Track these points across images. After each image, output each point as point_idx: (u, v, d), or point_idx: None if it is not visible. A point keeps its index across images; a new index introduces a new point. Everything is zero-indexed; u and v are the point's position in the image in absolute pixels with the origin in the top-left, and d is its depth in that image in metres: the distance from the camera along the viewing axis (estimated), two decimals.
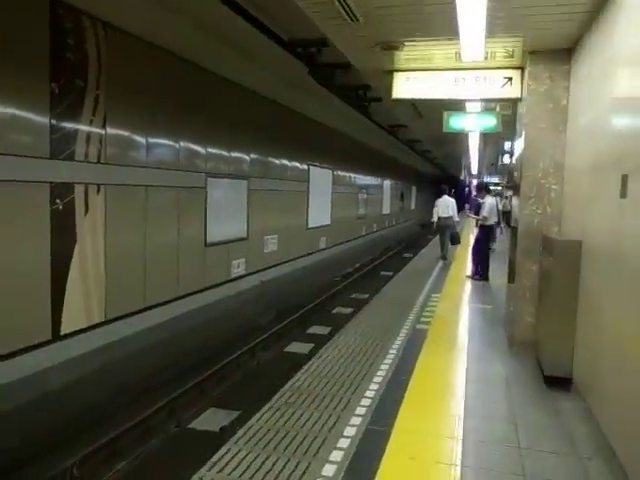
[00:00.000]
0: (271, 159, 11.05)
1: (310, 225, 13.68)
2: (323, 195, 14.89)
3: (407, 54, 5.27)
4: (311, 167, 13.57)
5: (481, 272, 8.95)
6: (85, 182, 5.87)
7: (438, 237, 13.66)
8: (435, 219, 12.74)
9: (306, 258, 13.34)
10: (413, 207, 35.41)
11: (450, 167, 33.13)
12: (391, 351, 5.38)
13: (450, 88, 5.53)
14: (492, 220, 9.05)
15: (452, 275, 10.22)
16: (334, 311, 11.19)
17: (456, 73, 5.51)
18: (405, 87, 5.76)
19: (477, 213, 9.16)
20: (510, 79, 5.30)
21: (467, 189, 52.71)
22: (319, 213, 14.51)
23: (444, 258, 12.64)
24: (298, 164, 12.69)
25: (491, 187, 40.34)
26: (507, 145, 13.84)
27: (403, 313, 7.02)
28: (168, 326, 7.31)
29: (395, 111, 13.07)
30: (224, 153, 9.00)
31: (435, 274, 10.37)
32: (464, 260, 12.77)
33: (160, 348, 6.94)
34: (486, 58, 5.05)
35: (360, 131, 16.96)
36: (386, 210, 25.00)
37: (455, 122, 6.69)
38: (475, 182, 43.12)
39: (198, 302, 8.18)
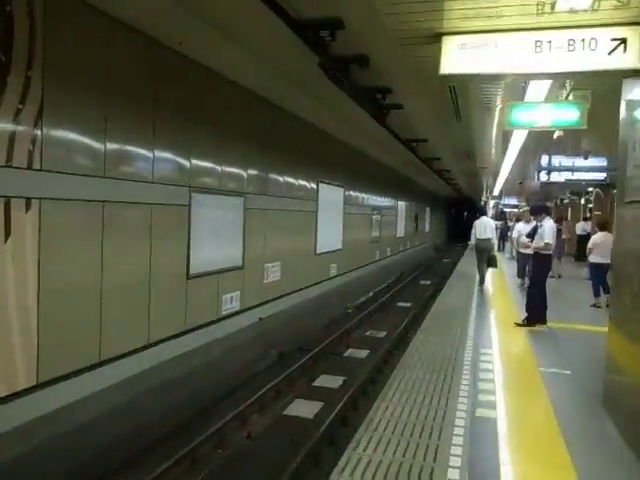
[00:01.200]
0: (273, 174, 9.42)
1: (319, 250, 11.99)
2: (334, 216, 13.23)
3: (463, 3, 3.64)
4: (321, 184, 11.92)
5: (538, 315, 7.19)
6: (5, 195, 4.23)
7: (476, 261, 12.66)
8: (473, 241, 12.20)
9: (314, 288, 11.62)
10: (427, 229, 33.70)
11: (468, 187, 31.39)
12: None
13: (527, 57, 3.86)
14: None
15: (498, 318, 8.33)
16: (347, 353, 9.42)
17: (537, 34, 3.85)
18: (458, 58, 4.10)
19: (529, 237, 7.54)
20: (623, 41, 3.64)
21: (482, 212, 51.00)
22: (329, 236, 12.82)
23: (481, 283, 11.99)
24: (306, 180, 11.06)
25: (507, 210, 38.70)
26: (545, 160, 12.16)
27: (449, 388, 4.89)
28: (130, 386, 5.59)
29: (414, 120, 11.47)
30: (214, 164, 7.37)
31: (474, 315, 8.47)
32: (505, 293, 10.99)
33: (113, 421, 5.21)
34: (589, 10, 3.40)
35: (375, 145, 15.36)
36: (400, 233, 23.30)
37: (521, 116, 5.03)
38: (492, 204, 41.33)
39: (174, 350, 6.47)
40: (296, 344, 9.61)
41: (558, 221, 18.82)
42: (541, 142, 11.75)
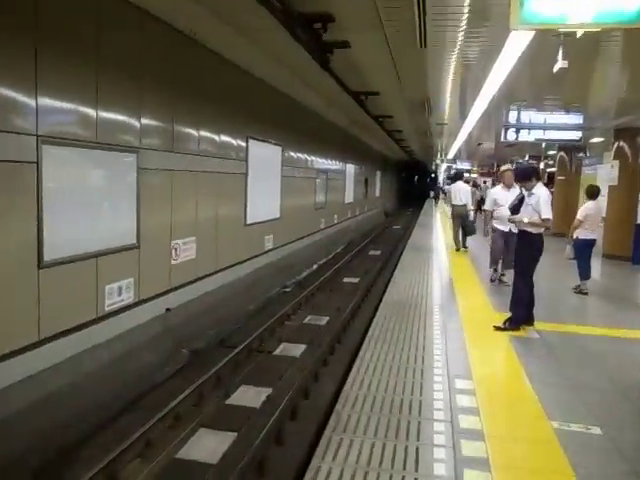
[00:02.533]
0: (183, 125, 7.36)
1: (250, 220, 10.06)
2: (270, 180, 11.27)
3: None
4: (252, 141, 9.90)
5: (524, 314, 5.47)
6: None
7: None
8: (450, 207, 12.17)
9: (244, 265, 9.73)
10: (378, 194, 32.15)
11: (420, 150, 29.83)
12: None
13: None
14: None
15: (470, 319, 6.23)
16: (278, 350, 7.61)
17: None
18: None
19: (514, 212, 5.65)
20: None
21: (435, 176, 49.85)
22: (264, 203, 10.89)
23: (458, 249, 11.97)
24: (231, 136, 9.02)
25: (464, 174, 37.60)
26: (514, 116, 10.49)
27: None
28: None
29: (364, 65, 9.56)
30: (83, 105, 5.27)
31: (438, 316, 6.36)
32: (476, 285, 9.42)
33: None
34: None
35: (320, 99, 13.37)
36: (349, 198, 21.56)
37: (541, 5, 3.17)
38: (444, 168, 40.12)
39: (18, 371, 4.50)
40: (218, 337, 7.77)
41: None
42: (513, 96, 10.09)
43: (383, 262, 15.76)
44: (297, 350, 7.58)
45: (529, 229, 5.28)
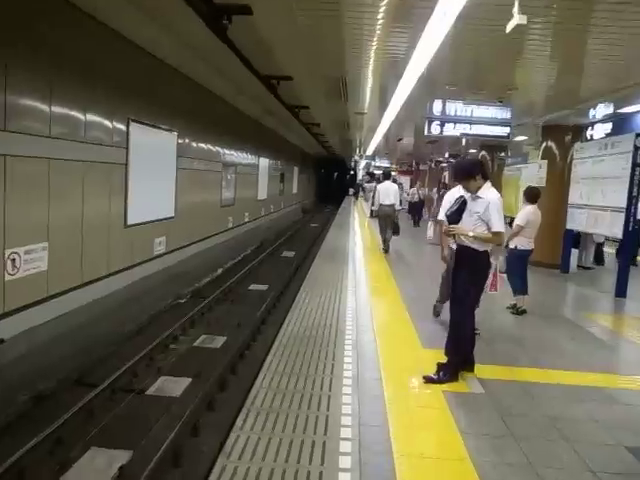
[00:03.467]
0: (25, 98, 5.60)
1: (133, 220, 8.35)
2: (161, 172, 9.58)
3: None
4: (134, 125, 8.19)
5: (463, 358, 4.16)
6: None
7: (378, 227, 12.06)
8: (376, 207, 11.82)
9: (122, 275, 8.02)
10: (295, 191, 30.81)
11: (339, 145, 28.76)
12: None
13: None
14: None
15: (396, 360, 4.73)
16: (153, 388, 6.00)
17: None
18: None
19: (453, 221, 4.23)
20: None
21: (354, 174, 49.19)
22: (153, 200, 9.21)
23: (386, 250, 11.53)
24: (103, 116, 7.28)
25: (378, 172, 36.87)
26: (438, 107, 9.38)
27: None
28: None
29: (271, 40, 8.13)
30: None
31: (349, 346, 5.01)
32: (400, 321, 8.19)
33: None
34: None
35: (227, 82, 11.81)
36: (262, 194, 20.03)
37: None
38: (363, 165, 39.40)
39: None
40: (75, 374, 6.07)
41: (445, 187, 16.86)
42: (435, 88, 9.01)
43: (296, 265, 14.42)
44: (178, 387, 6.02)
45: (473, 245, 3.96)
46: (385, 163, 35.34)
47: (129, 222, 8.20)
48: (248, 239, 17.05)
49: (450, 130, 9.82)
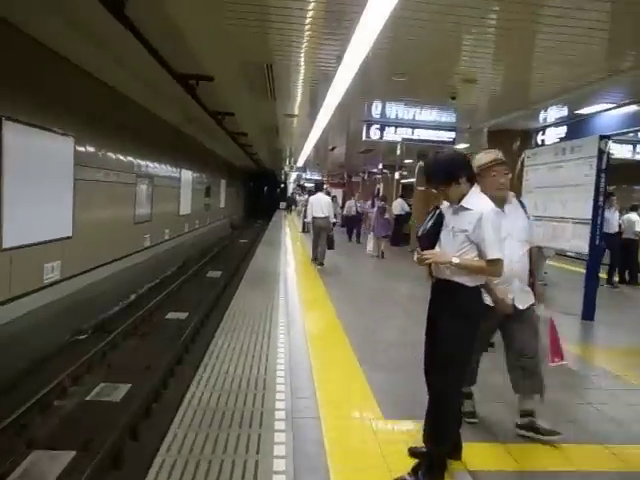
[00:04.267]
0: None
1: (12, 241, 6.73)
2: (52, 183, 7.97)
3: None
4: (10, 125, 6.61)
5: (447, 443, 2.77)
6: None
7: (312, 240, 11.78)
8: (309, 219, 11.65)
9: None
10: (223, 205, 29.23)
11: (268, 157, 27.50)
12: None
13: None
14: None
15: (350, 452, 3.17)
16: (14, 475, 4.46)
17: None
18: None
19: (427, 244, 3.10)
20: None
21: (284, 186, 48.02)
22: (41, 217, 7.58)
23: (321, 264, 11.14)
24: None
25: (309, 185, 35.88)
26: (377, 109, 8.35)
27: None
28: None
29: (184, 34, 6.85)
30: None
31: (281, 422, 3.50)
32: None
33: None
34: None
35: (138, 83, 10.35)
36: (186, 209, 18.44)
37: None
38: (294, 178, 38.34)
39: None
40: None
41: (384, 200, 15.98)
42: (374, 88, 7.95)
43: (222, 287, 12.98)
44: (54, 468, 4.51)
45: (459, 278, 2.71)
46: (316, 175, 34.45)
47: (5, 245, 6.57)
48: (169, 258, 15.43)
49: (391, 135, 8.85)
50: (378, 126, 8.77)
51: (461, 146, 11.64)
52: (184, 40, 7.33)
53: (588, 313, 6.94)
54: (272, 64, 6.76)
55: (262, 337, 5.67)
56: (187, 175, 18.59)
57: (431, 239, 2.82)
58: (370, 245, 13.61)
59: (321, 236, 11.22)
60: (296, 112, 9.47)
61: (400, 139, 8.94)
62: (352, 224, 18.32)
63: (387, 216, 14.60)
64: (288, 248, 15.10)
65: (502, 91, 7.79)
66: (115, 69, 9.43)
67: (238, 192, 38.46)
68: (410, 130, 8.90)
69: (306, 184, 35.23)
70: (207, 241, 22.04)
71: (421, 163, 15.11)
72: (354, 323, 6.53)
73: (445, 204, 2.89)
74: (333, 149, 15.22)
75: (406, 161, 17.76)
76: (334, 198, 19.60)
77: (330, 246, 11.38)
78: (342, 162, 22.02)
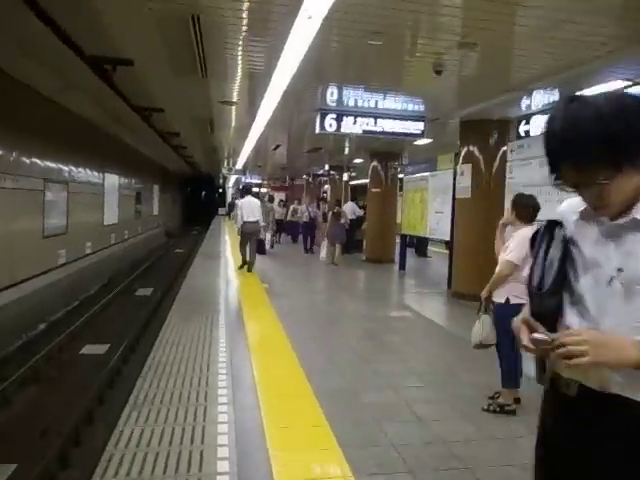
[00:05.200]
0: None
1: None
2: None
3: None
4: None
5: None
6: None
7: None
8: (239, 224, 11.25)
9: None
10: (156, 212, 27.10)
11: (205, 160, 25.61)
12: None
13: None
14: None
15: None
16: None
17: None
18: None
19: None
20: None
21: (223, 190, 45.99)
22: None
23: (249, 269, 11.01)
24: None
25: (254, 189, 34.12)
26: (333, 95, 6.91)
27: None
28: None
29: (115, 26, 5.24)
30: None
31: None
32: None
33: None
34: None
35: (45, 68, 8.51)
36: (111, 218, 16.41)
37: None
38: (233, 181, 36.45)
39: None
40: None
41: (338, 204, 14.58)
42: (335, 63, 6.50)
43: (152, 308, 11.20)
44: None
45: None
46: (256, 179, 32.78)
47: None
48: (92, 275, 13.43)
49: (349, 126, 7.43)
50: (334, 115, 7.35)
51: (423, 142, 10.40)
52: (96, 17, 5.70)
53: None
54: (202, 38, 5.17)
55: (197, 382, 4.15)
56: (112, 180, 16.58)
57: (557, 298, 1.35)
58: (324, 252, 13.09)
59: (251, 240, 11.02)
60: (234, 98, 7.89)
61: (360, 131, 7.55)
62: (306, 231, 16.35)
63: (342, 221, 13.35)
64: (228, 259, 13.47)
65: (479, 73, 6.52)
66: (33, 66, 7.63)
67: (174, 198, 36.23)
68: (372, 120, 7.52)
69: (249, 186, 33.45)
70: (138, 253, 19.97)
71: (376, 162, 13.72)
72: (320, 376, 4.96)
73: (572, 216, 1.43)
74: (276, 148, 13.69)
75: (356, 161, 16.45)
76: (281, 202, 18.17)
77: (261, 250, 11.32)
78: (284, 164, 20.51)
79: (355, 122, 7.44)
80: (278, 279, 10.79)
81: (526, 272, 1.55)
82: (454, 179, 8.94)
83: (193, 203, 42.95)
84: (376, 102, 7.27)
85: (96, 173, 14.49)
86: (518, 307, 3.62)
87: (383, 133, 7.73)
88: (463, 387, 4.76)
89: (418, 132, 7.85)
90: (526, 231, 3.80)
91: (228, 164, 20.56)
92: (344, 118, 7.38)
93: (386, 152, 13.03)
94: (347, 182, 17.80)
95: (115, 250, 16.83)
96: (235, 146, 14.97)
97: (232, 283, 9.76)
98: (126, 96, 10.55)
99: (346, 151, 14.78)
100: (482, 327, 3.96)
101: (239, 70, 6.31)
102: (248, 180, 32.38)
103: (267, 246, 14.15)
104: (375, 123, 7.54)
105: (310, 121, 8.33)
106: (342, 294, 9.84)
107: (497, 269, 4.10)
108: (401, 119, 7.66)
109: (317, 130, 7.42)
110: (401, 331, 7.00)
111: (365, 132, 7.58)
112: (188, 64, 6.32)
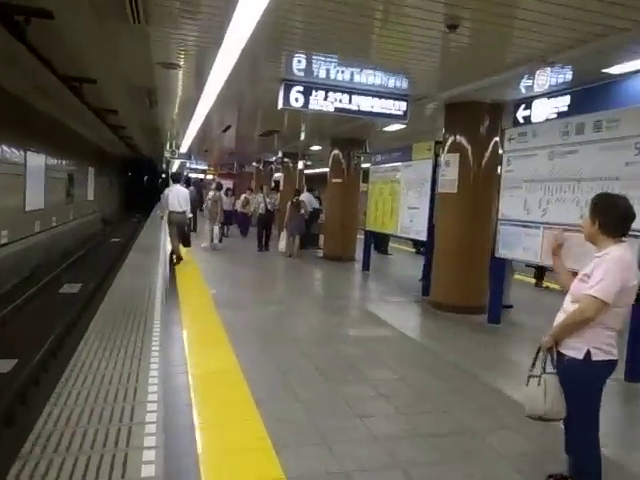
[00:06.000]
0: None
1: None
2: None
3: None
4: None
5: None
6: None
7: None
8: (165, 214, 10.78)
9: None
10: (91, 197, 24.96)
11: (147, 143, 23.67)
12: None
13: None
14: None
15: None
16: None
17: None
18: None
19: None
20: None
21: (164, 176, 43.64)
22: None
23: (177, 262, 10.60)
24: None
25: (194, 176, 32.25)
26: (301, 63, 5.59)
27: None
28: None
29: None
30: None
31: None
32: None
33: None
34: None
35: None
36: (35, 203, 14.51)
37: None
38: (177, 166, 34.41)
39: None
40: None
41: (297, 194, 13.27)
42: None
43: (79, 309, 9.61)
44: None
45: None
46: (202, 165, 30.99)
47: None
48: (8, 268, 11.64)
49: (319, 102, 6.13)
50: (301, 88, 6.04)
51: (393, 128, 9.20)
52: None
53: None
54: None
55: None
56: (37, 161, 14.65)
57: None
58: (282, 243, 12.78)
59: (178, 232, 10.73)
60: (180, 61, 6.40)
61: (332, 109, 6.28)
62: (262, 225, 14.29)
63: (302, 212, 12.20)
64: (168, 252, 11.94)
65: (478, 44, 5.36)
66: None
67: (112, 182, 33.86)
68: (347, 97, 6.28)
69: (191, 175, 31.54)
70: (68, 242, 18.01)
71: (337, 150, 12.47)
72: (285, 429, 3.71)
73: None
74: (227, 129, 12.19)
75: (313, 148, 15.13)
76: (228, 191, 16.64)
77: (187, 243, 10.90)
78: (233, 149, 18.97)
79: (326, 98, 6.17)
80: (227, 282, 9.39)
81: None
82: (434, 171, 7.82)
83: (133, 188, 40.46)
84: (352, 74, 6.02)
85: (14, 152, 12.61)
86: (605, 367, 2.48)
87: (359, 112, 6.47)
88: (494, 460, 3.40)
89: (399, 113, 6.65)
90: (621, 253, 2.60)
91: (171, 147, 18.80)
92: (313, 92, 6.09)
93: (349, 139, 11.80)
94: (302, 170, 16.52)
95: (40, 239, 14.93)
96: (180, 127, 13.38)
97: (172, 290, 8.25)
98: (50, 62, 8.88)
99: (302, 137, 13.47)
100: (544, 393, 2.67)
101: (184, 17, 4.87)
102: (194, 166, 30.56)
103: (215, 240, 12.74)
104: (350, 100, 6.30)
105: (269, 95, 6.97)
106: (304, 303, 8.44)
107: (568, 307, 2.82)
108: (380, 97, 6.45)
109: (280, 105, 6.09)
110: (386, 360, 5.51)
111: (338, 110, 6.31)
112: (118, 13, 4.83)
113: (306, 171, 16.97)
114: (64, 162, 18.41)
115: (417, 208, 8.30)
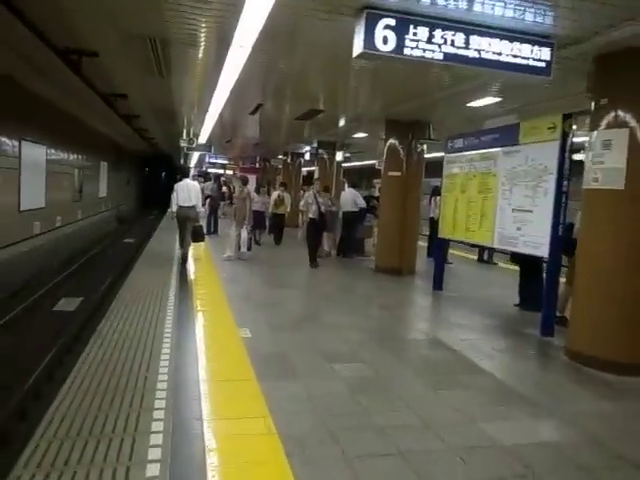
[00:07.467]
0: None
1: None
2: None
3: None
4: None
5: None
6: None
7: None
8: (174, 208, 10.20)
9: None
10: (104, 194, 23.09)
11: (164, 136, 21.66)
12: None
13: None
14: None
15: None
16: None
17: None
18: None
19: None
20: None
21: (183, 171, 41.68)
22: None
23: (184, 261, 9.76)
24: None
25: (213, 171, 30.13)
26: None
27: None
28: None
29: None
30: None
31: None
32: None
33: None
34: None
35: None
36: (36, 201, 12.61)
37: None
38: (196, 160, 32.40)
39: None
40: None
41: (326, 190, 11.17)
42: None
43: (78, 327, 7.62)
44: None
45: None
46: (222, 160, 28.95)
47: None
48: (7, 276, 9.73)
49: (421, 45, 3.92)
50: (393, 22, 3.80)
51: (483, 102, 6.92)
52: None
53: None
54: None
55: None
56: (38, 153, 12.72)
57: None
58: (327, 244, 11.75)
59: (187, 227, 10.08)
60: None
61: (441, 56, 4.04)
62: (315, 231, 10.63)
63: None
64: (189, 262, 9.88)
65: None
66: None
67: (129, 178, 32.01)
68: (462, 37, 4.06)
69: (210, 170, 29.46)
70: (76, 244, 16.07)
71: (393, 138, 10.18)
72: None
73: None
74: (257, 110, 9.86)
75: (356, 135, 12.82)
76: (262, 188, 14.21)
77: (198, 238, 10.37)
78: (258, 139, 16.81)
79: (431, 38, 3.95)
80: (266, 317, 6.21)
81: None
82: (561, 157, 5.55)
83: (153, 184, 38.56)
84: (470, 2, 3.80)
85: (10, 143, 10.66)
86: None
87: (480, 62, 4.20)
88: None
89: (541, 65, 4.40)
90: None
91: (188, 135, 16.63)
92: (411, 28, 3.86)
93: (409, 122, 9.45)
94: (340, 163, 14.36)
95: (42, 242, 12.99)
96: (198, 110, 11.19)
97: (185, 325, 5.82)
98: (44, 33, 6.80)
99: (341, 122, 11.21)
100: None
101: None
102: (213, 160, 28.51)
103: (243, 248, 10.57)
104: (466, 43, 4.08)
105: (335, 38, 4.70)
106: (389, 362, 5.00)
107: None
108: (512, 39, 4.22)
109: (359, 49, 3.82)
110: None
111: (448, 58, 4.06)
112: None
113: (346, 164, 14.80)
114: (72, 156, 16.51)
115: (530, 211, 5.95)
